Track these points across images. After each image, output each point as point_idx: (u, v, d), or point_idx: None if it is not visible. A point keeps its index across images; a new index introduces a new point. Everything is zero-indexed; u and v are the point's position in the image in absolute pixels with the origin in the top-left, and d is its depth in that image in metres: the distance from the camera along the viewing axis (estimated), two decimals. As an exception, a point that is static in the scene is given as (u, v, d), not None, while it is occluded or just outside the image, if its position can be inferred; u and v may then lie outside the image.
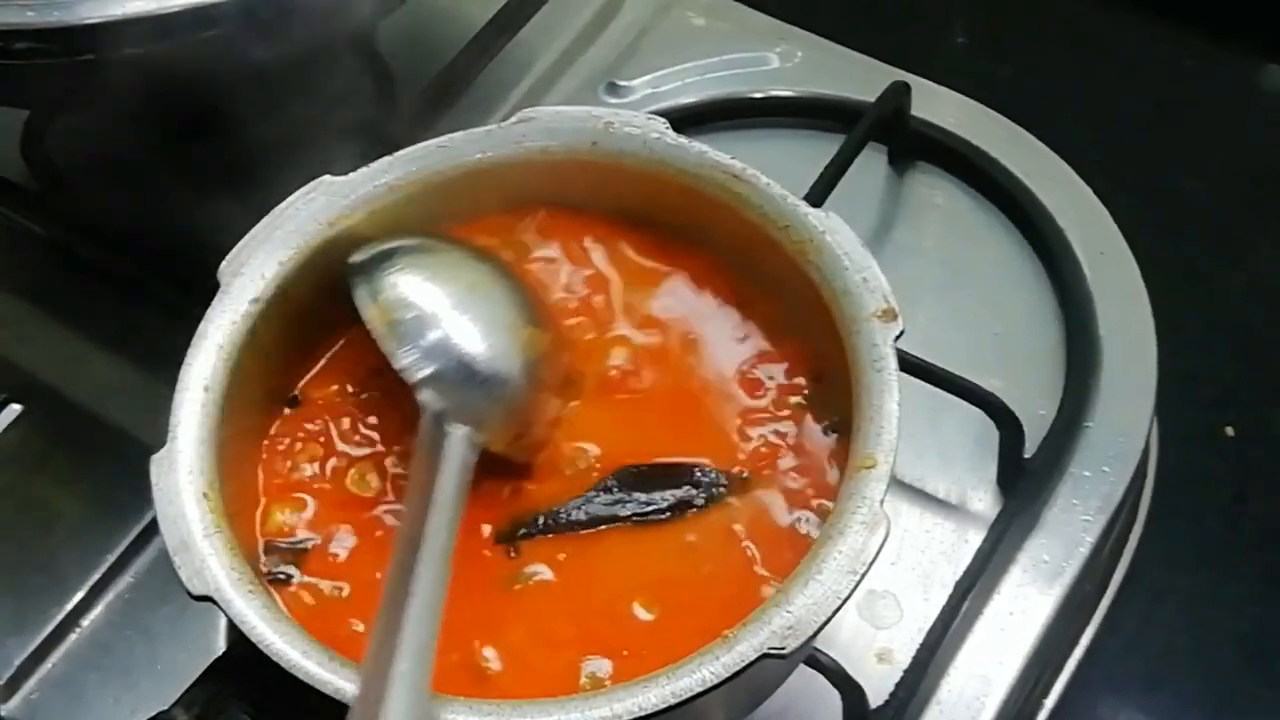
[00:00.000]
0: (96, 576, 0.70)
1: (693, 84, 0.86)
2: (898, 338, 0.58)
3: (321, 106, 0.84)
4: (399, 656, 0.51)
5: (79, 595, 0.70)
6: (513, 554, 0.59)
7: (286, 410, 0.63)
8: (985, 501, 0.71)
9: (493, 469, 0.60)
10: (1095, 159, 0.82)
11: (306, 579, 0.59)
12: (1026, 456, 0.70)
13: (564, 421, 0.62)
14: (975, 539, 0.69)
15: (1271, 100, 1.07)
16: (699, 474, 0.60)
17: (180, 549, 0.54)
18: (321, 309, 0.63)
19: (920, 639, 0.65)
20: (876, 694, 0.63)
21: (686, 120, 0.81)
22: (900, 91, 0.79)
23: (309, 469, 0.62)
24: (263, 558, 0.59)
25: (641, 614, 0.57)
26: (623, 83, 0.87)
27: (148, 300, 0.78)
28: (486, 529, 0.60)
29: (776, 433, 0.61)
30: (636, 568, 0.58)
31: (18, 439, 0.75)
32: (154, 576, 0.71)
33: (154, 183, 0.83)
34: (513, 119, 0.65)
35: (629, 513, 0.59)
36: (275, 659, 0.52)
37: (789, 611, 0.52)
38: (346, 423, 0.63)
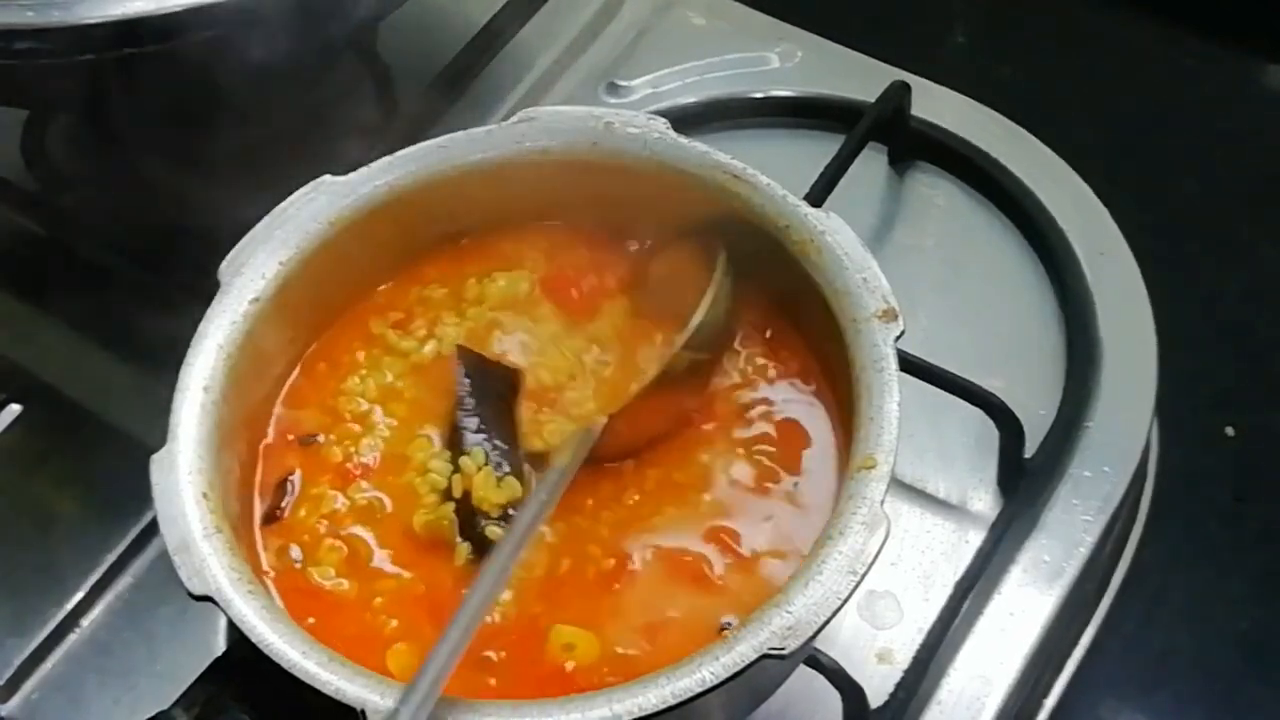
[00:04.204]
0: (96, 577, 0.70)
1: (693, 84, 0.86)
2: (898, 338, 0.58)
3: (321, 106, 0.84)
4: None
5: (78, 595, 0.70)
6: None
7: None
8: (985, 502, 0.71)
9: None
10: (1095, 159, 0.82)
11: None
12: (1027, 456, 0.70)
13: None
14: (975, 539, 0.69)
15: (1271, 100, 1.07)
16: None
17: (180, 549, 0.54)
18: (322, 308, 0.63)
19: (920, 639, 0.65)
20: (877, 694, 0.63)
21: (687, 120, 0.81)
22: (900, 91, 0.79)
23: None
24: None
25: None
26: (623, 83, 0.86)
27: (148, 300, 0.78)
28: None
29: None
30: None
31: (17, 439, 0.75)
32: (154, 577, 0.70)
33: (154, 183, 0.83)
34: (513, 119, 0.65)
35: None
36: (275, 659, 0.52)
37: (789, 612, 0.52)
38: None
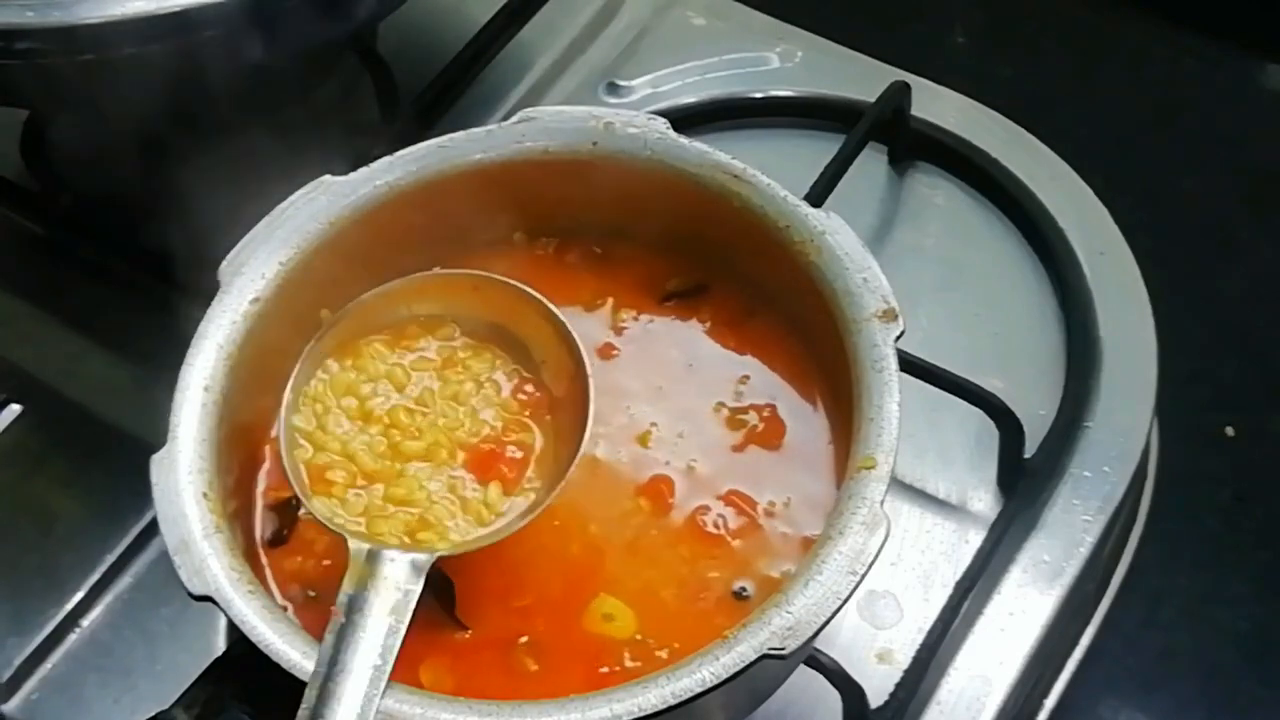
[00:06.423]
0: (96, 577, 0.70)
1: (693, 84, 0.86)
2: (898, 338, 0.58)
3: (321, 106, 0.84)
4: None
5: (79, 596, 0.70)
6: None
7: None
8: (985, 501, 0.71)
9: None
10: (1095, 159, 0.82)
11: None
12: (1027, 456, 0.70)
13: None
14: (975, 539, 0.69)
15: (1271, 100, 1.07)
16: None
17: (180, 549, 0.54)
18: (321, 308, 0.63)
19: (920, 639, 0.65)
20: (877, 694, 0.63)
21: (687, 120, 0.81)
22: (900, 91, 0.79)
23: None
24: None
25: None
26: (623, 83, 0.86)
27: (148, 300, 0.78)
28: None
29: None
30: None
31: (17, 439, 0.75)
32: (154, 577, 0.70)
33: (154, 182, 0.83)
34: (513, 119, 0.65)
35: None
36: (275, 659, 0.52)
37: (789, 612, 0.52)
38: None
